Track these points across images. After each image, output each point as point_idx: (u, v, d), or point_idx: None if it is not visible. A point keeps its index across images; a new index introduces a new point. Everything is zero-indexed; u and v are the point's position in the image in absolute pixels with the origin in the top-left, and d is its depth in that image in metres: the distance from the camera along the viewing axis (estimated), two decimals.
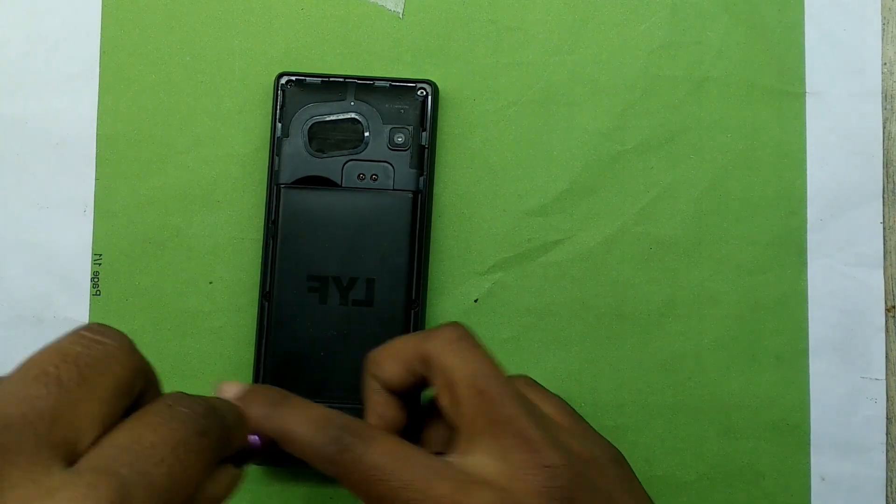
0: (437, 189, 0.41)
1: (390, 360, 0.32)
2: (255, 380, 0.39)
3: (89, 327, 0.22)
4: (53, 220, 0.41)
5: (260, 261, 0.40)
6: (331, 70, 0.41)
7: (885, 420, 0.40)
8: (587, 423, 0.33)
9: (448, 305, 0.41)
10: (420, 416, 0.34)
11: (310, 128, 0.40)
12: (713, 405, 0.41)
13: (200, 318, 0.41)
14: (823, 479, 0.40)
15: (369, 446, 0.28)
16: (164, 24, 0.41)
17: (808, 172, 0.41)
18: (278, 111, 0.40)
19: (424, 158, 0.40)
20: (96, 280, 0.41)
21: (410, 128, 0.40)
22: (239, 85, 0.41)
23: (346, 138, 0.40)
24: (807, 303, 0.41)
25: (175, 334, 0.41)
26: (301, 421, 0.29)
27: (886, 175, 0.41)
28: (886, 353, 0.41)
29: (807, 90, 0.41)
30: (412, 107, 0.40)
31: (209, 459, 0.22)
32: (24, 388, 0.20)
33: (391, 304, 0.39)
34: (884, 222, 0.41)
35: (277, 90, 0.40)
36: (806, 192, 0.41)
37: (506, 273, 0.41)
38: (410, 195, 0.39)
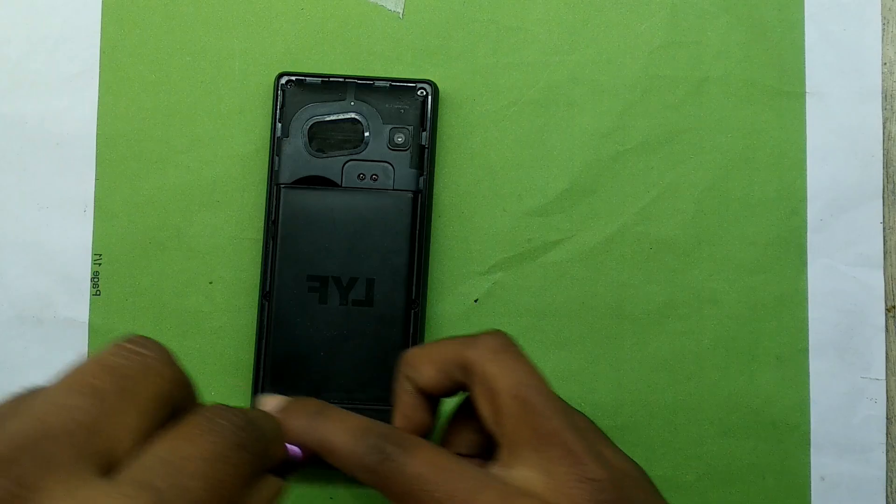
0: (437, 189, 0.41)
1: (427, 364, 0.31)
2: (255, 380, 0.39)
3: (130, 339, 0.22)
4: (53, 220, 0.41)
5: (260, 261, 0.40)
6: (331, 70, 0.41)
7: (885, 420, 0.40)
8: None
9: (448, 305, 0.41)
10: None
11: (310, 128, 0.40)
12: (713, 405, 0.41)
13: (200, 318, 0.41)
14: (823, 479, 0.40)
15: (411, 456, 0.28)
16: (164, 24, 0.41)
17: (808, 172, 0.41)
18: (278, 111, 0.40)
19: (424, 158, 0.40)
20: (96, 280, 0.41)
21: (410, 128, 0.40)
22: (239, 85, 0.41)
23: (346, 138, 0.40)
24: (807, 303, 0.41)
25: (175, 334, 0.41)
26: (340, 431, 0.28)
27: (886, 175, 0.41)
28: (886, 353, 0.41)
29: (807, 90, 0.41)
30: (412, 107, 0.40)
31: (248, 472, 0.22)
32: (64, 399, 0.20)
33: (391, 304, 0.39)
34: (884, 222, 0.41)
35: (277, 90, 0.40)
36: (806, 192, 0.41)
37: (506, 273, 0.41)
38: (410, 195, 0.39)
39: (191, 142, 0.41)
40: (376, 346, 0.39)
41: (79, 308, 0.41)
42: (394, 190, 0.40)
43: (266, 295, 0.39)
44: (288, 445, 0.28)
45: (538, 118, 0.41)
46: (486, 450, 0.31)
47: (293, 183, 0.39)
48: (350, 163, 0.40)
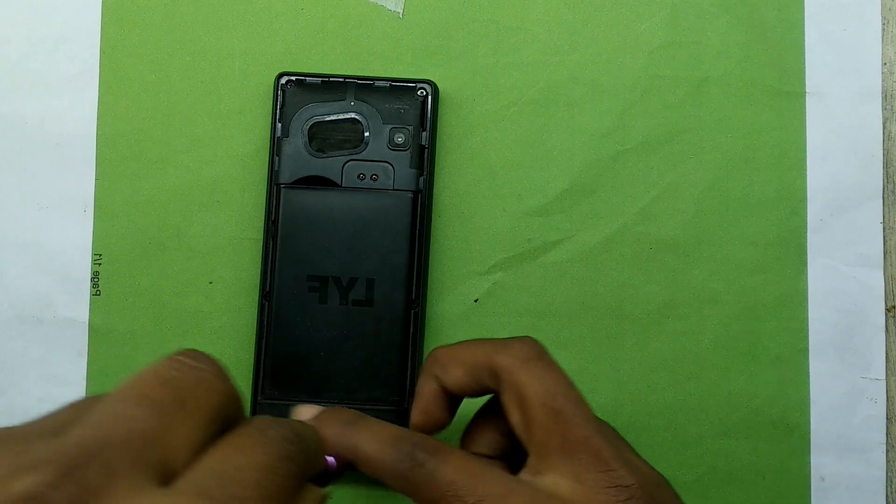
0: (437, 189, 0.41)
1: (457, 365, 0.32)
2: (255, 380, 0.39)
3: (185, 353, 0.22)
4: (53, 220, 0.41)
5: (260, 261, 0.40)
6: (331, 70, 0.41)
7: (885, 420, 0.40)
8: None
9: (448, 305, 0.41)
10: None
11: (310, 128, 0.40)
12: (713, 405, 0.41)
13: (200, 318, 0.41)
14: (823, 479, 0.40)
15: (443, 462, 0.28)
16: (164, 24, 0.41)
17: (808, 172, 0.41)
18: (278, 111, 0.40)
19: (424, 158, 0.40)
20: (96, 280, 0.41)
21: (410, 128, 0.40)
22: (239, 85, 0.41)
23: (346, 138, 0.40)
24: (807, 303, 0.41)
25: (175, 334, 0.41)
26: (374, 439, 0.29)
27: (886, 175, 0.41)
28: (886, 353, 0.41)
29: (807, 90, 0.41)
30: (412, 107, 0.40)
31: (296, 482, 0.22)
32: (124, 409, 0.20)
33: (391, 304, 0.39)
34: (884, 222, 0.41)
35: (277, 90, 0.40)
36: (806, 192, 0.41)
37: (506, 273, 0.41)
38: (410, 195, 0.39)
39: (191, 142, 0.41)
40: (376, 346, 0.39)
41: (79, 308, 0.41)
42: (394, 190, 0.40)
43: (266, 295, 0.39)
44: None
45: (538, 118, 0.41)
46: (508, 452, 0.32)
47: (293, 183, 0.39)
48: (350, 163, 0.40)
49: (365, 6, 0.41)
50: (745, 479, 0.40)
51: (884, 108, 0.41)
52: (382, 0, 0.42)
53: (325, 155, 0.40)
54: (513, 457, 0.32)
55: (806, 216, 0.41)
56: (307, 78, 0.40)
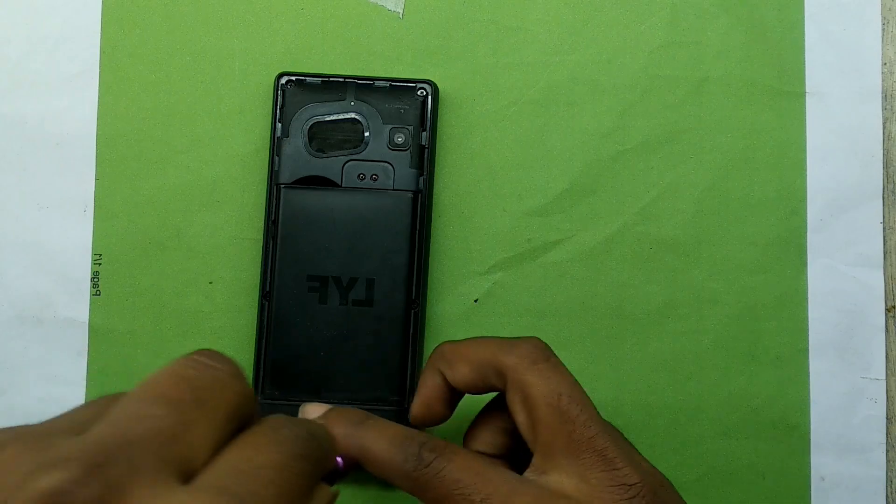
0: (437, 189, 0.41)
1: (463, 362, 0.32)
2: (255, 380, 0.39)
3: (202, 353, 0.23)
4: (53, 220, 0.41)
5: (260, 261, 0.40)
6: (331, 70, 0.41)
7: (885, 420, 0.40)
8: None
9: (448, 305, 0.41)
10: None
11: (310, 128, 0.40)
12: (713, 405, 0.41)
13: (200, 318, 0.41)
14: (823, 479, 0.40)
15: (449, 461, 0.29)
16: (164, 24, 0.41)
17: (808, 172, 0.41)
18: (278, 111, 0.40)
19: (424, 158, 0.40)
20: (96, 280, 0.41)
21: (410, 128, 0.40)
22: (239, 85, 0.41)
23: (346, 138, 0.40)
24: (807, 303, 0.41)
25: (175, 334, 0.41)
26: (381, 439, 0.30)
27: (886, 175, 0.41)
28: (886, 353, 0.41)
29: (807, 90, 0.41)
30: (412, 107, 0.40)
31: (311, 481, 0.22)
32: (145, 408, 0.20)
33: (391, 304, 0.39)
34: (884, 222, 0.41)
35: (277, 90, 0.40)
36: (806, 192, 0.41)
37: (506, 273, 0.41)
38: (410, 195, 0.39)
39: (191, 142, 0.41)
40: (376, 346, 0.39)
41: (79, 308, 0.41)
42: (394, 190, 0.40)
43: (266, 295, 0.39)
44: None
45: (538, 118, 0.41)
46: (512, 451, 0.33)
47: (293, 183, 0.39)
48: (350, 163, 0.40)
49: (365, 6, 0.41)
50: (745, 479, 0.40)
51: (884, 108, 0.41)
52: (382, 0, 0.42)
53: (325, 155, 0.40)
54: (515, 456, 0.32)
55: (806, 216, 0.41)
56: (307, 78, 0.40)
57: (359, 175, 0.40)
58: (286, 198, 0.39)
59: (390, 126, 0.40)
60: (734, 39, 0.41)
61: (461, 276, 0.41)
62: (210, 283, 0.41)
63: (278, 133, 0.40)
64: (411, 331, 0.39)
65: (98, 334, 0.41)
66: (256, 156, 0.41)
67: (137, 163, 0.41)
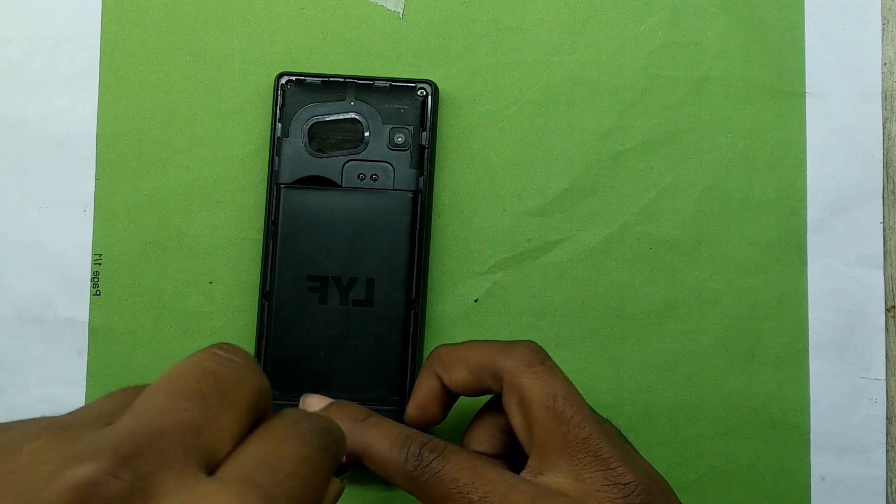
0: (437, 189, 0.41)
1: (460, 366, 0.33)
2: None
3: (221, 346, 0.23)
4: (53, 220, 0.41)
5: (260, 261, 0.40)
6: (331, 70, 0.41)
7: (885, 420, 0.40)
8: None
9: (448, 305, 0.41)
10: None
11: (310, 128, 0.40)
12: (713, 405, 0.41)
13: (200, 318, 0.41)
14: (823, 479, 0.40)
15: (448, 461, 0.29)
16: (164, 24, 0.41)
17: (808, 172, 0.41)
18: (278, 111, 0.40)
19: (424, 158, 0.40)
20: (96, 280, 0.41)
21: (410, 128, 0.40)
22: (239, 85, 0.41)
23: (346, 138, 0.40)
24: (807, 303, 0.41)
25: (175, 334, 0.41)
26: (383, 439, 0.30)
27: (886, 175, 0.41)
28: (886, 353, 0.41)
29: (807, 90, 0.41)
30: (412, 107, 0.40)
31: (327, 474, 0.23)
32: (171, 401, 0.20)
33: (391, 304, 0.39)
34: (884, 222, 0.41)
35: (277, 90, 0.40)
36: (806, 192, 0.41)
37: (506, 273, 0.41)
38: (410, 195, 0.39)
39: (191, 142, 0.41)
40: (376, 346, 0.39)
41: (79, 308, 0.41)
42: (394, 190, 0.40)
43: (266, 295, 0.39)
44: None
45: (538, 118, 0.41)
46: (509, 451, 0.33)
47: (293, 183, 0.39)
48: (350, 163, 0.40)
49: (365, 6, 0.41)
50: (745, 479, 0.40)
51: (884, 108, 0.41)
52: (382, 0, 0.42)
53: (325, 155, 0.40)
54: (513, 456, 0.33)
55: (806, 216, 0.41)
56: (307, 78, 0.40)
57: (359, 175, 0.40)
58: (286, 198, 0.39)
59: (390, 126, 0.40)
60: (734, 39, 0.41)
61: (461, 276, 0.41)
62: (210, 283, 0.41)
63: (278, 133, 0.40)
64: (411, 331, 0.39)
65: (98, 334, 0.41)
66: (256, 156, 0.41)
67: (137, 163, 0.41)
